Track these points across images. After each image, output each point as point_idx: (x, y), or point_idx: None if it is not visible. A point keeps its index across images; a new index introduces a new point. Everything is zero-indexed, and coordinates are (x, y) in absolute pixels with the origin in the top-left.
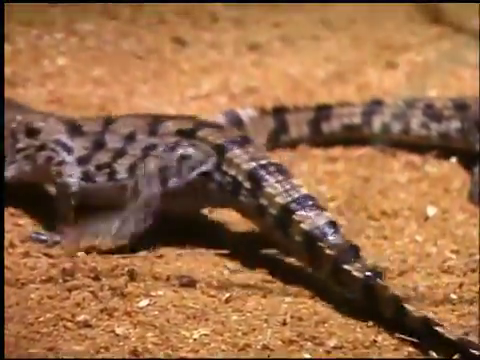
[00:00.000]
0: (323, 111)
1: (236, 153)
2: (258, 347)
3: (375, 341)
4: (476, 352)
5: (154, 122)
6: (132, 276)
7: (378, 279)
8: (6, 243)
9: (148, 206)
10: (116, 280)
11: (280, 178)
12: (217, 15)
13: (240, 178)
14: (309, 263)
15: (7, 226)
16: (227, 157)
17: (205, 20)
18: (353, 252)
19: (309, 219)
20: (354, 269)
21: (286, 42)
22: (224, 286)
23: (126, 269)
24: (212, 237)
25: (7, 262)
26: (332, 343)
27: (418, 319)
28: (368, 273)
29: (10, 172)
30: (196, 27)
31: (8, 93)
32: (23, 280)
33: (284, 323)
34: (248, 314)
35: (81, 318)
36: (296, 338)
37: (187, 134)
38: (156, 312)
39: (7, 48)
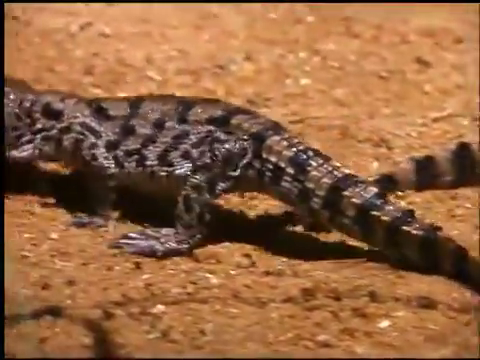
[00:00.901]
0: None
1: (275, 140)
2: None
3: None
4: None
5: (182, 107)
6: (373, 297)
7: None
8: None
9: (202, 218)
10: (357, 300)
11: (321, 161)
12: (460, 36)
13: (282, 164)
14: (362, 235)
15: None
16: (267, 145)
17: (448, 40)
18: (408, 214)
19: (359, 193)
20: (412, 229)
21: None
22: (465, 309)
23: (367, 290)
24: None
25: (248, 281)
26: None
27: None
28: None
29: (25, 152)
30: (439, 47)
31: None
32: (264, 299)
33: None
34: None
35: (321, 338)
36: None
37: (220, 122)
38: (396, 333)
39: (249, 67)
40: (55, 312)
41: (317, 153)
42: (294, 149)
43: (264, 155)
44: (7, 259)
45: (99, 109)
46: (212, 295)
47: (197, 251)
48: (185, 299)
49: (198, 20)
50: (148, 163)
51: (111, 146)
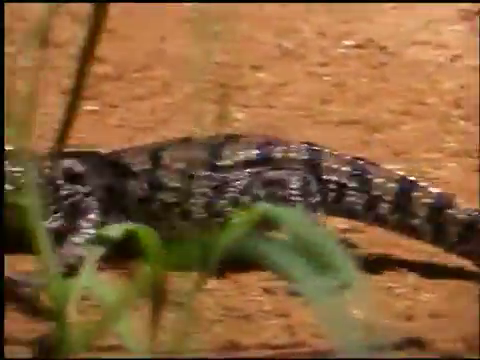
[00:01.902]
0: None
1: (329, 159)
2: None
3: None
4: None
5: (209, 152)
6: None
7: None
8: None
9: None
10: None
11: (376, 168)
12: None
13: (344, 181)
14: (433, 236)
15: None
16: (325, 166)
17: None
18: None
19: (428, 193)
20: None
21: None
22: None
23: None
24: None
25: None
26: None
27: None
28: None
29: (55, 222)
30: None
31: None
32: None
33: None
34: None
35: None
36: None
37: (262, 163)
38: None
39: None
40: (418, 344)
41: (366, 161)
42: (349, 163)
43: (325, 177)
44: (373, 289)
45: (121, 167)
46: None
47: None
48: None
49: None
50: (195, 216)
51: (143, 203)
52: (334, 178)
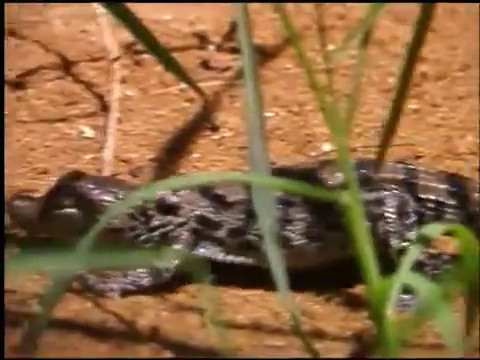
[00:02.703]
0: None
1: (425, 177)
2: None
3: None
4: None
5: (307, 176)
6: None
7: None
8: None
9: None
10: None
11: (471, 182)
12: None
13: (442, 199)
14: None
15: None
16: (421, 185)
17: None
18: None
19: None
20: None
21: None
22: None
23: None
24: None
25: None
26: None
27: None
28: None
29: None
30: None
31: None
32: None
33: None
34: None
35: None
36: None
37: (359, 183)
38: None
39: None
40: None
41: (461, 176)
42: (443, 180)
43: (423, 196)
44: None
45: (216, 197)
46: None
47: None
48: None
49: None
50: (294, 243)
51: (237, 233)
52: (433, 197)
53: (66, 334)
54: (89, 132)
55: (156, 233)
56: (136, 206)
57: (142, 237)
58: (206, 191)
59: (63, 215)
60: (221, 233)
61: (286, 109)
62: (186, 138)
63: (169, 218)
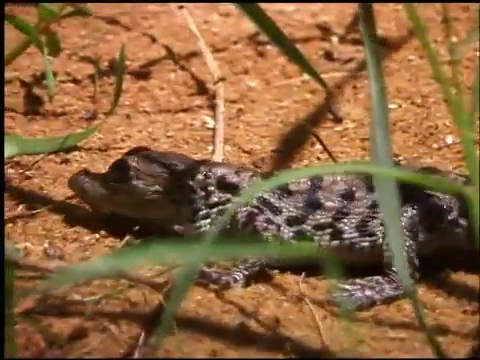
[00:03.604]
0: None
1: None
2: None
3: None
4: None
5: (368, 176)
6: None
7: None
8: None
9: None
10: None
11: None
12: None
13: None
14: None
15: None
16: None
17: None
18: None
19: None
20: None
21: None
22: None
23: None
24: None
25: None
26: None
27: None
28: None
29: (203, 228)
30: None
31: None
32: None
33: None
34: None
35: None
36: None
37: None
38: None
39: None
40: None
41: None
42: None
43: None
44: None
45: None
46: None
47: None
48: None
49: None
50: (346, 236)
51: (295, 221)
52: None
53: (189, 326)
54: (212, 123)
55: (215, 210)
56: (197, 180)
57: (201, 212)
58: (268, 177)
59: (126, 188)
60: (279, 219)
61: (409, 101)
62: (309, 129)
63: (228, 196)
